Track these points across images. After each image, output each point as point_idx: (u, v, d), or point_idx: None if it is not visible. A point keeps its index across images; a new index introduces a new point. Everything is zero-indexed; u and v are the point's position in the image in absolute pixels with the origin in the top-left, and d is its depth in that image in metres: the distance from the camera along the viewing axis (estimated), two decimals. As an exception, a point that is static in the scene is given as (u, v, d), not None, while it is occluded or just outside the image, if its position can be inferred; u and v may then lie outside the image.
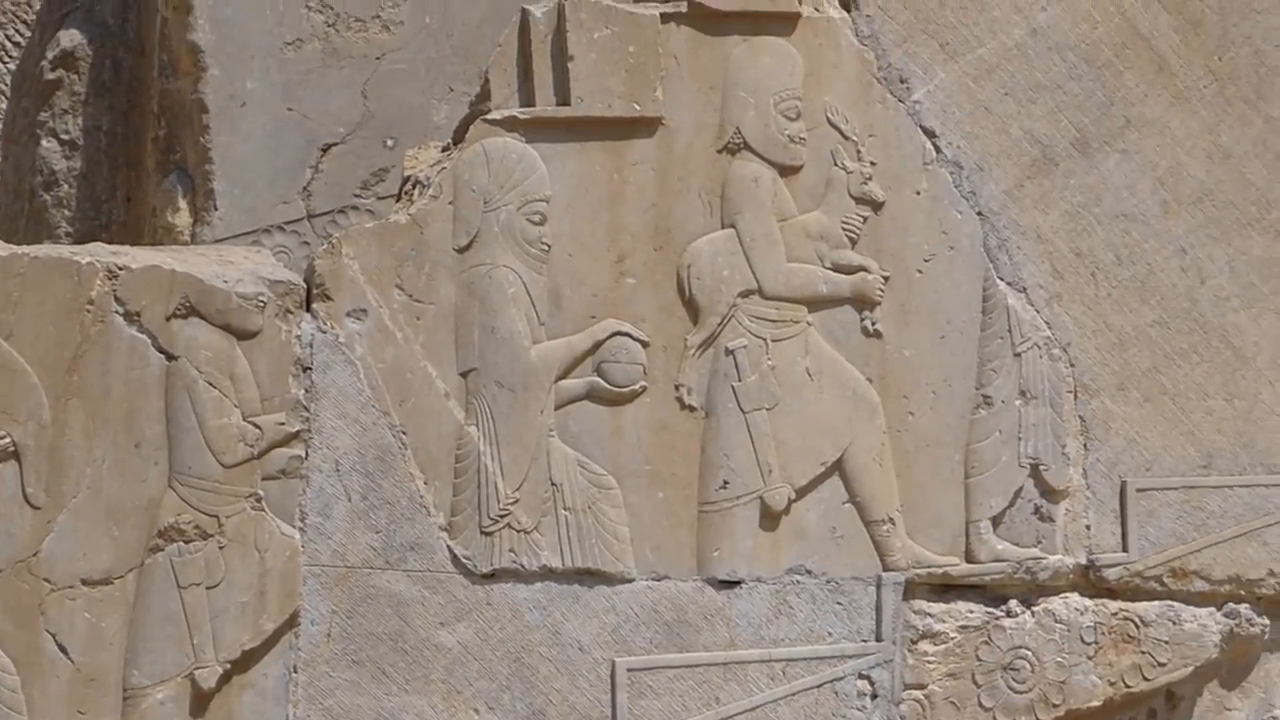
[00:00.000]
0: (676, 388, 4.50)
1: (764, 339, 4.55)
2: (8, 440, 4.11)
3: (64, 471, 4.19)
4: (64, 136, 5.27)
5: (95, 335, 4.17)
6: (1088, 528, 4.75)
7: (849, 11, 4.69)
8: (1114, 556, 4.75)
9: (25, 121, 5.32)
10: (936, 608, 4.65)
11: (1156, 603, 4.78)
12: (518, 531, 4.37)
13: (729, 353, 4.52)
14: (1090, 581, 4.75)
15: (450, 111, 4.86)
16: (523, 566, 4.36)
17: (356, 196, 5.18)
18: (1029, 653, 4.65)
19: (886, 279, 4.65)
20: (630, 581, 4.43)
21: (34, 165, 5.22)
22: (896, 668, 4.58)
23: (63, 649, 4.11)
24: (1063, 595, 4.72)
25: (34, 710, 4.06)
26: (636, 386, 4.47)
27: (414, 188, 4.50)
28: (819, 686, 4.54)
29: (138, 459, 4.21)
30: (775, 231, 4.58)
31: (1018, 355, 4.72)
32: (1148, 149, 4.86)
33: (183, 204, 5.10)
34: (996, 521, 4.69)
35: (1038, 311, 4.76)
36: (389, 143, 5.17)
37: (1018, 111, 4.82)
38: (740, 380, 4.52)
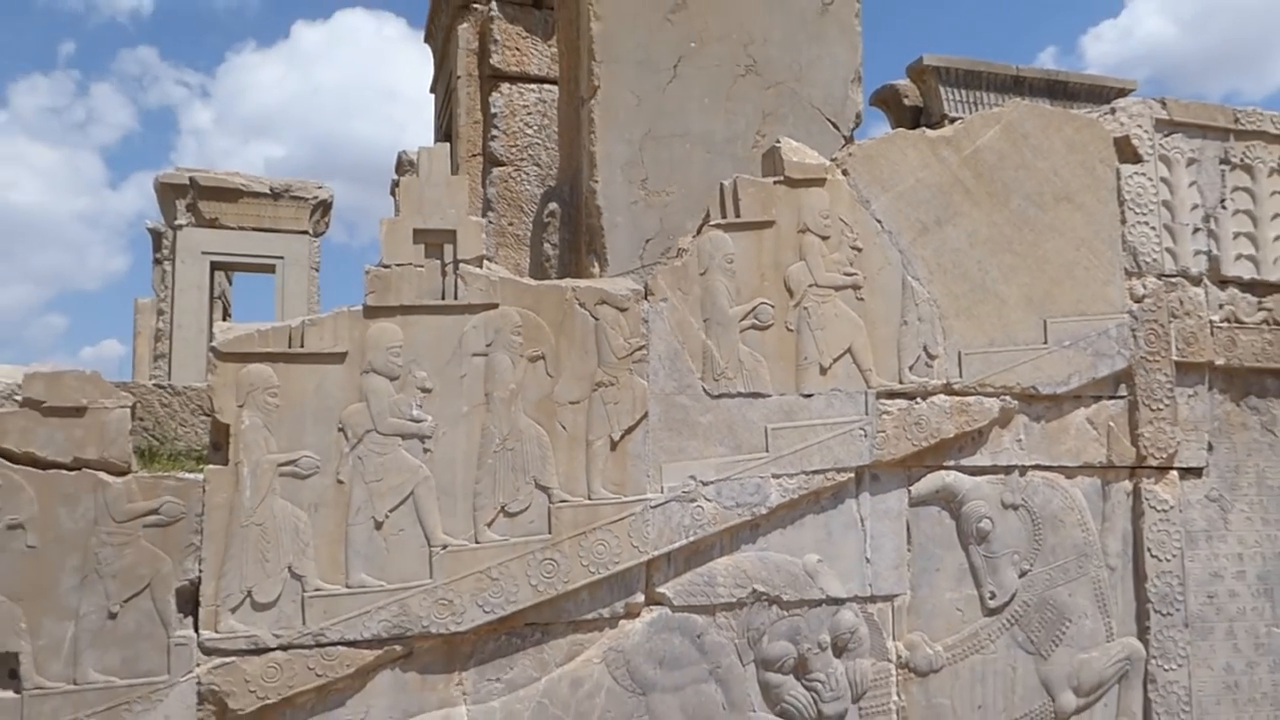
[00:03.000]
0: (785, 324, 4.82)
1: (818, 302, 4.88)
2: (540, 352, 4.44)
3: (580, 363, 4.38)
4: (553, 242, 5.71)
5: (568, 311, 4.50)
6: (946, 369, 5.05)
7: (844, 176, 5.00)
8: (957, 379, 5.05)
9: (538, 239, 5.73)
10: (889, 402, 4.95)
11: (974, 397, 5.08)
12: (728, 378, 4.70)
13: (805, 308, 4.86)
14: (948, 389, 5.04)
15: (694, 224, 5.07)
16: (728, 392, 4.69)
17: (660, 256, 5.48)
18: (925, 416, 4.98)
19: (864, 278, 4.97)
20: (769, 396, 4.76)
21: (544, 255, 5.65)
22: (873, 423, 4.90)
23: (564, 429, 4.45)
24: (938, 394, 5.04)
25: (556, 449, 4.39)
26: (770, 323, 4.80)
27: (682, 253, 4.82)
28: (844, 433, 4.88)
29: (573, 356, 4.48)
30: (821, 261, 4.91)
31: (916, 305, 5.03)
32: (964, 223, 5.14)
33: (595, 265, 5.48)
34: (911, 368, 5.00)
35: (924, 287, 5.06)
36: (671, 237, 5.47)
37: (912, 209, 5.08)
38: (810, 318, 4.86)
